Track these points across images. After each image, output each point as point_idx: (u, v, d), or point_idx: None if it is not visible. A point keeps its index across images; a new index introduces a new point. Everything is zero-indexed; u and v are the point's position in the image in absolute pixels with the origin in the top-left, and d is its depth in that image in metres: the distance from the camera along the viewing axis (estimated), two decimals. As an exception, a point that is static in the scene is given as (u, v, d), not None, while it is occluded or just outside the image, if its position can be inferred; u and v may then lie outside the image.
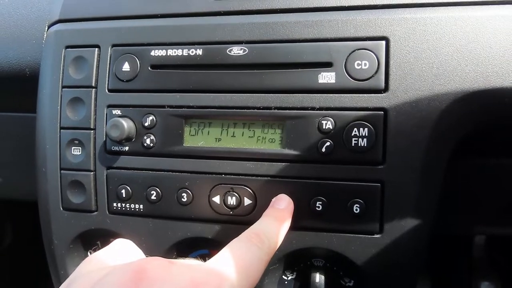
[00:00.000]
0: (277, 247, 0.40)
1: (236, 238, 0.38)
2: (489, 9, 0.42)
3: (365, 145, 0.43)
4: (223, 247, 0.49)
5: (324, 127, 0.44)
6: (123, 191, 0.50)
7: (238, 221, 0.47)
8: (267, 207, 0.44)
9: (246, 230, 0.39)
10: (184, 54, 0.48)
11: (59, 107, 0.52)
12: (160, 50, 0.49)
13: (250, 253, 0.36)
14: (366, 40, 0.44)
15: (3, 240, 0.99)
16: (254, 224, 0.41)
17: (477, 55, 0.42)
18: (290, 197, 0.45)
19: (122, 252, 0.38)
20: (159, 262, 0.31)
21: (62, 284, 0.33)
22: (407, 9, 0.44)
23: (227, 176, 0.47)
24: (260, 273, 0.36)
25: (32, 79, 0.56)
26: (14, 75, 0.59)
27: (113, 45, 0.50)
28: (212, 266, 0.33)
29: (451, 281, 0.90)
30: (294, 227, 0.45)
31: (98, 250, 0.52)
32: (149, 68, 0.49)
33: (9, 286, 1.02)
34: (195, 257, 0.52)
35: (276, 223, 0.41)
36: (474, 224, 0.63)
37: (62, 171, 0.52)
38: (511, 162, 0.52)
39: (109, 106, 0.50)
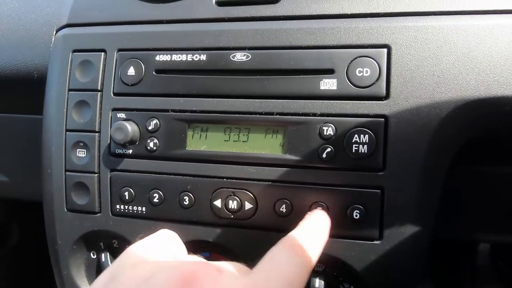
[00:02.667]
0: (317, 259, 0.39)
1: (276, 246, 0.36)
2: (491, 18, 0.42)
3: (366, 151, 0.43)
4: (224, 250, 0.49)
5: (325, 133, 0.44)
6: (126, 193, 0.50)
7: (239, 225, 0.48)
8: (301, 216, 0.43)
9: (287, 238, 0.38)
10: (188, 59, 0.49)
11: (65, 110, 0.53)
12: (165, 55, 0.49)
13: (294, 265, 0.35)
14: (368, 48, 0.44)
15: (9, 240, 1.00)
16: (293, 232, 0.39)
17: (478, 63, 0.42)
18: (290, 202, 0.45)
19: (165, 245, 0.38)
20: (208, 269, 0.31)
21: (104, 273, 0.33)
22: (408, 17, 0.44)
23: (229, 180, 0.47)
24: (303, 284, 0.35)
25: (39, 82, 0.57)
26: (23, 77, 0.60)
27: (119, 50, 0.51)
28: (259, 279, 0.33)
29: (454, 289, 0.89)
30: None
31: (104, 252, 0.53)
32: (153, 72, 0.50)
33: (15, 286, 1.03)
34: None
35: (315, 233, 0.40)
36: (476, 231, 0.63)
37: (67, 173, 0.52)
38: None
39: (114, 109, 0.51)
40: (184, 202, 0.49)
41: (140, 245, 0.37)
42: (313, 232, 0.41)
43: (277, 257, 0.35)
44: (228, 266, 0.34)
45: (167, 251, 0.38)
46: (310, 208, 0.45)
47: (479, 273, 0.90)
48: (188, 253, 0.42)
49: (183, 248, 0.40)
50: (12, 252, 1.00)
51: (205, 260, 0.39)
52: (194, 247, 0.50)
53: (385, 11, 0.45)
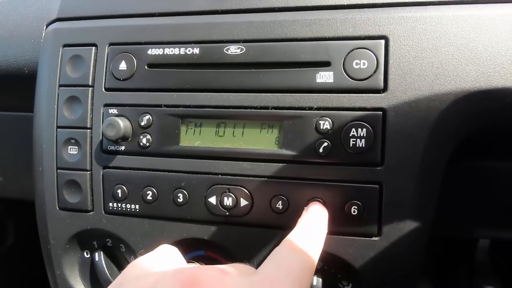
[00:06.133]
0: (320, 254, 0.39)
1: (280, 246, 0.37)
2: (491, 7, 0.41)
3: (363, 145, 0.42)
4: (219, 248, 0.48)
5: (321, 127, 0.43)
6: (119, 191, 0.49)
7: (235, 222, 0.47)
8: (298, 212, 0.43)
9: (289, 237, 0.38)
10: (181, 53, 0.47)
11: (56, 106, 0.51)
12: (157, 49, 0.48)
13: (300, 262, 0.35)
14: (365, 39, 0.43)
15: (5, 240, 0.99)
16: (294, 231, 0.40)
17: (478, 54, 0.41)
18: (287, 198, 0.44)
19: (166, 259, 0.38)
20: (211, 271, 0.31)
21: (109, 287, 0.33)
22: (406, 7, 0.43)
23: (224, 176, 0.46)
24: (310, 281, 0.35)
25: (30, 77, 0.56)
26: (13, 73, 0.59)
27: (110, 44, 0.50)
28: (267, 277, 0.32)
29: (453, 285, 0.89)
30: (291, 228, 0.45)
31: (97, 251, 0.52)
32: (145, 67, 0.49)
33: (11, 285, 1.02)
34: (191, 258, 0.51)
35: (315, 229, 0.41)
36: (475, 227, 0.62)
37: (58, 170, 0.51)
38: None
39: (106, 105, 0.50)
40: (178, 200, 0.48)
41: (143, 258, 0.37)
42: (313, 228, 0.41)
43: (282, 255, 0.35)
44: (232, 267, 0.34)
45: (169, 264, 0.37)
46: (307, 205, 0.44)
47: (477, 269, 0.89)
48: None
49: (184, 262, 0.40)
50: (8, 251, 0.99)
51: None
52: (188, 245, 0.50)
53: (382, 2, 0.44)
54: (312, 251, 0.37)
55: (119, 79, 0.49)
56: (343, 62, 0.43)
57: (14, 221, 1.00)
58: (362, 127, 0.42)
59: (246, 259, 0.47)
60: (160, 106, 0.48)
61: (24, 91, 0.58)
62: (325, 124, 0.43)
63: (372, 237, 0.44)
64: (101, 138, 0.50)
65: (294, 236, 0.39)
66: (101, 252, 0.53)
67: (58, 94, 0.51)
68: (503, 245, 0.88)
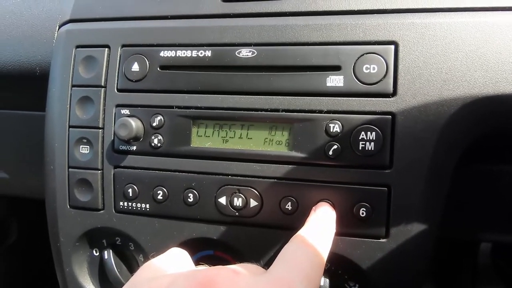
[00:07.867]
0: (328, 253, 0.40)
1: (289, 244, 0.37)
2: (499, 15, 0.42)
3: (373, 149, 0.43)
4: (228, 248, 0.49)
5: (331, 130, 0.44)
6: (130, 190, 0.50)
7: (244, 223, 0.47)
8: (307, 214, 0.44)
9: (298, 235, 0.39)
10: (193, 55, 0.48)
11: (68, 106, 0.52)
12: (169, 51, 0.49)
13: (310, 260, 0.36)
14: (375, 44, 0.44)
15: (8, 237, 1.00)
16: (303, 230, 0.40)
17: (486, 60, 0.42)
18: (296, 200, 0.45)
19: (178, 261, 0.38)
20: (225, 272, 0.31)
21: None
22: (416, 14, 0.44)
23: (234, 177, 0.47)
24: (320, 279, 0.36)
25: (42, 78, 0.57)
26: (25, 73, 0.60)
27: (123, 46, 0.51)
28: (278, 276, 0.33)
29: (456, 288, 0.89)
30: (300, 229, 0.46)
31: (107, 249, 0.53)
32: (158, 68, 0.49)
33: (13, 283, 1.02)
34: (200, 257, 0.52)
35: (323, 228, 0.41)
36: (480, 230, 0.63)
37: (70, 169, 0.52)
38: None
39: (118, 105, 0.50)
40: (189, 199, 0.48)
41: (155, 260, 0.38)
42: (321, 227, 0.41)
43: (292, 253, 0.36)
44: (243, 267, 0.35)
45: (181, 266, 0.38)
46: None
47: (480, 272, 0.90)
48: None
49: (193, 265, 0.41)
50: (11, 249, 1.00)
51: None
52: (197, 245, 0.50)
53: (392, 8, 0.45)
54: (321, 249, 0.38)
55: (132, 80, 0.50)
56: (353, 66, 0.44)
57: (17, 219, 1.01)
58: (371, 130, 0.43)
59: (254, 259, 0.48)
60: (172, 107, 0.49)
61: (34, 90, 0.59)
62: (335, 127, 0.44)
63: (379, 239, 0.44)
64: (112, 138, 0.51)
65: (303, 235, 0.39)
66: (110, 251, 0.53)
67: (70, 94, 0.52)
68: (505, 249, 0.88)
